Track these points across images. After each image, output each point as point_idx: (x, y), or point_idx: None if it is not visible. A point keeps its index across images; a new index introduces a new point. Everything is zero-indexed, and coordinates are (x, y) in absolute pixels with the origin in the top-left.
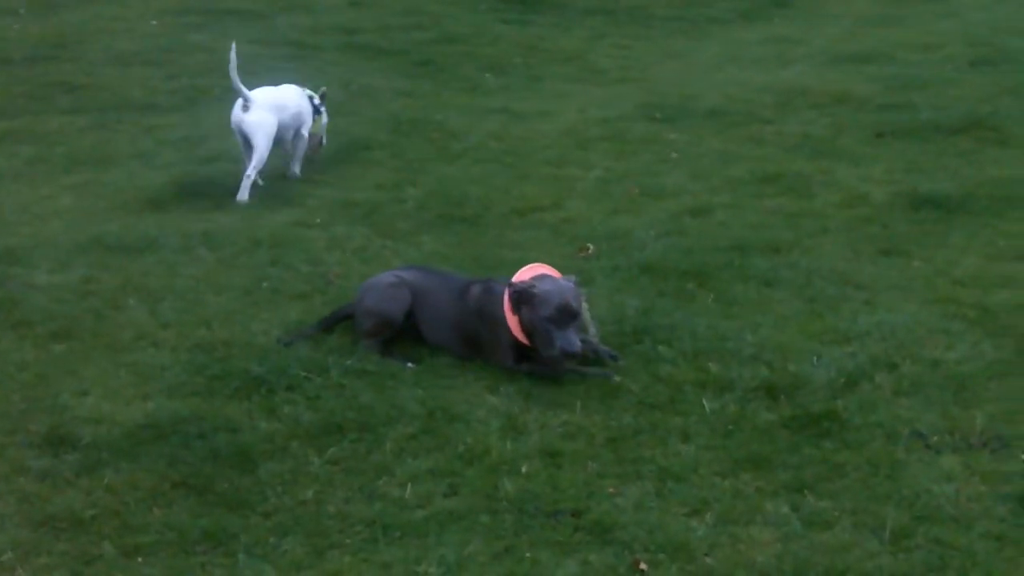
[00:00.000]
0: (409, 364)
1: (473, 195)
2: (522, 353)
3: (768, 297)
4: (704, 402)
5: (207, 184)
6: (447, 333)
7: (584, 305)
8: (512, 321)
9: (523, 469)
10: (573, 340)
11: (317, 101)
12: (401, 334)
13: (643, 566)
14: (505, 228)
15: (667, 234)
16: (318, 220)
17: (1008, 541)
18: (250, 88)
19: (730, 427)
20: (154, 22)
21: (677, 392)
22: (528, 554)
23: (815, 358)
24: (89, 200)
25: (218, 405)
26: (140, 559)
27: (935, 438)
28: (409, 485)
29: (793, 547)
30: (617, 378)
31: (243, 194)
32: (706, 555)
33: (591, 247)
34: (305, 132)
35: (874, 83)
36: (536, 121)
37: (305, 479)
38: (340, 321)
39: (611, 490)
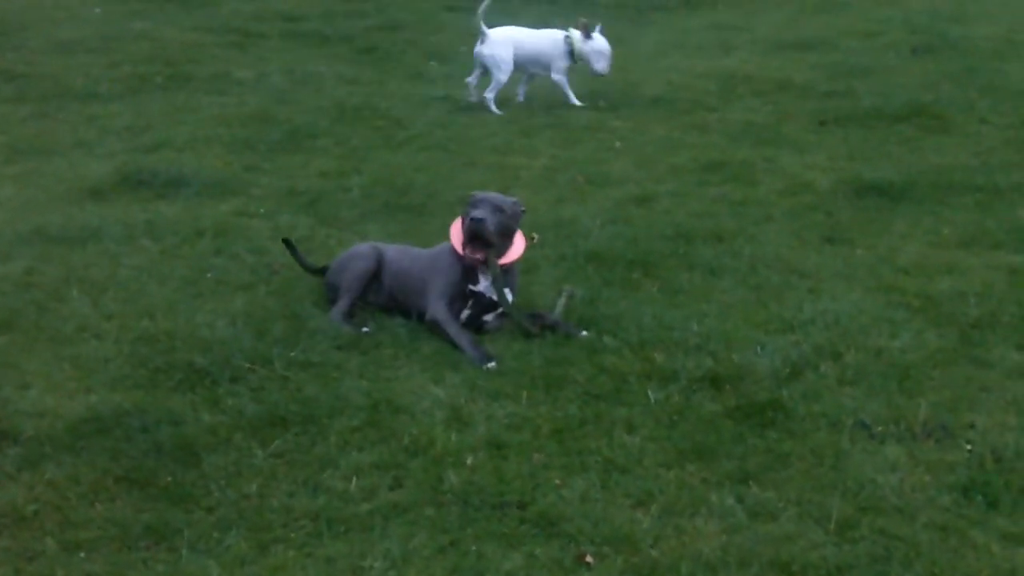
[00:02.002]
0: (365, 328)
1: (419, 183)
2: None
3: (713, 286)
4: (649, 392)
5: (150, 173)
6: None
7: (562, 300)
8: (455, 234)
9: (468, 461)
10: (481, 215)
11: (578, 35)
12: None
13: (589, 559)
14: (451, 216)
15: (612, 222)
16: (262, 209)
17: (952, 531)
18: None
19: (675, 418)
20: (97, 9)
21: (622, 383)
22: (474, 547)
23: (759, 347)
24: (30, 190)
25: (161, 397)
26: (82, 554)
27: (879, 428)
28: (353, 478)
29: (738, 538)
30: (584, 333)
31: (492, 107)
32: (651, 547)
33: (536, 236)
34: (558, 71)
35: (816, 70)
36: (480, 109)
37: (249, 472)
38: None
39: (557, 482)
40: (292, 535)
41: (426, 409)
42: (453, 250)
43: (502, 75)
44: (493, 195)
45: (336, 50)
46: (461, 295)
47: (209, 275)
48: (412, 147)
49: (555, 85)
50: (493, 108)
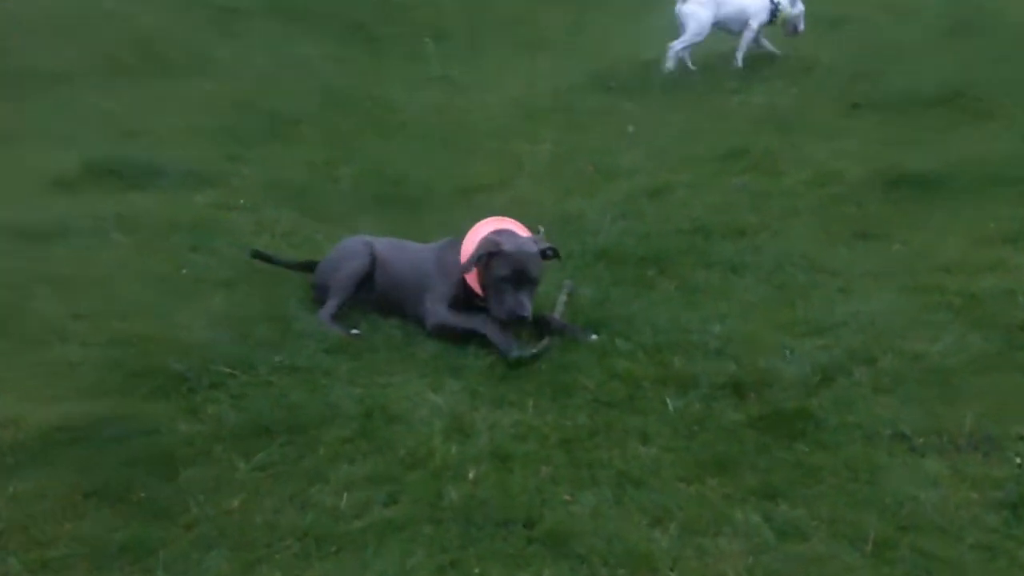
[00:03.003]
0: (355, 330)
1: (413, 174)
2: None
3: (734, 284)
4: (666, 400)
5: (122, 163)
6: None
7: (563, 298)
8: (471, 273)
9: (470, 474)
10: (524, 303)
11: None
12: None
13: None
14: (449, 210)
15: (624, 216)
16: (243, 201)
17: (1000, 552)
18: None
19: (694, 427)
20: None
21: (636, 389)
22: (476, 568)
23: (786, 351)
24: None
25: (135, 405)
26: None
27: (919, 439)
28: (345, 493)
29: (765, 559)
30: (595, 336)
31: (669, 63)
32: (670, 569)
33: (542, 230)
34: (753, 26)
35: (846, 49)
36: (480, 92)
37: (230, 487)
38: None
39: (566, 497)
40: (278, 555)
41: (424, 418)
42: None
43: (698, 35)
44: (528, 250)
45: (323, 27)
46: (461, 302)
47: (185, 272)
48: (406, 134)
49: (745, 42)
50: (688, 63)
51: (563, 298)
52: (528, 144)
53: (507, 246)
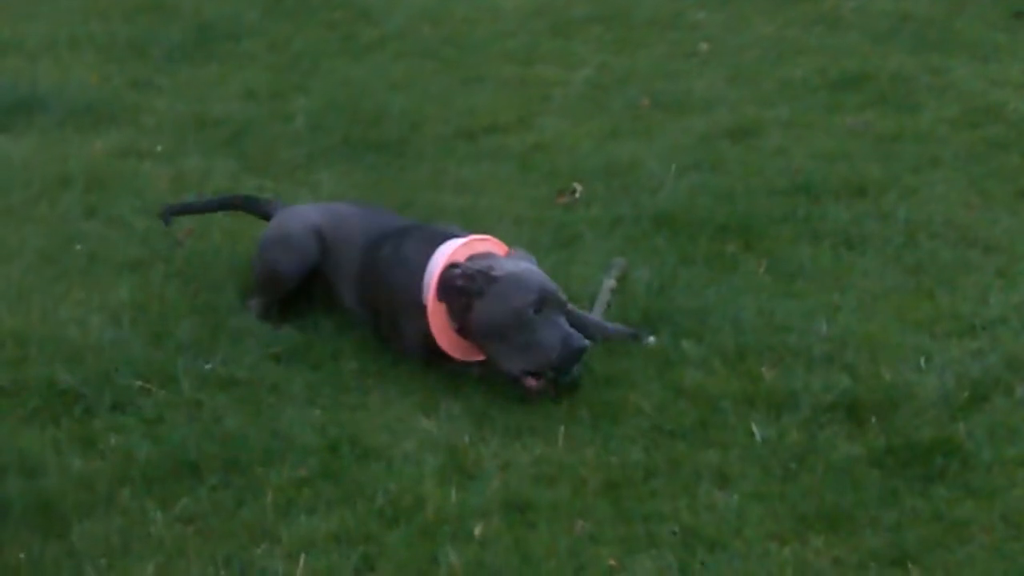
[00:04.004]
0: (283, 325)
1: (396, 108)
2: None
3: (850, 265)
4: (753, 427)
5: None
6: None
7: (610, 283)
8: (437, 316)
9: (476, 531)
10: (575, 332)
11: None
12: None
13: None
14: (446, 159)
15: (695, 168)
16: (159, 147)
17: None
18: None
19: (792, 465)
20: None
21: (711, 412)
22: None
23: (922, 359)
24: None
25: (7, 434)
26: None
27: None
28: (302, 556)
29: None
30: (652, 338)
31: None
32: None
33: (578, 188)
34: None
35: None
36: None
37: (143, 547)
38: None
39: (611, 562)
40: None
41: (411, 453)
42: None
43: None
44: (535, 269)
45: None
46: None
47: (79, 248)
48: (386, 53)
49: None
50: None
51: (609, 283)
52: (558, 68)
53: (499, 271)
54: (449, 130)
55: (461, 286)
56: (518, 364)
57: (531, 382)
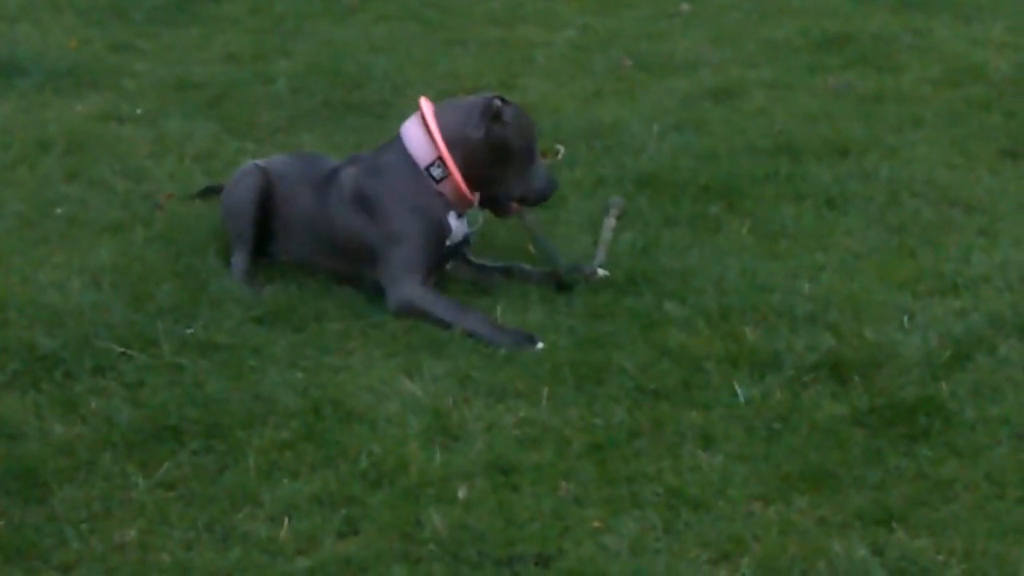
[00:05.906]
0: (265, 287)
1: (379, 70)
2: (440, 253)
3: (833, 225)
4: (736, 387)
5: None
6: (310, 245)
7: (611, 222)
8: (451, 163)
9: (460, 493)
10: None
11: None
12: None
13: None
14: None
15: (678, 129)
16: (139, 110)
17: None
18: None
19: (775, 426)
20: None
21: (695, 372)
22: None
23: (905, 318)
24: None
25: None
26: None
27: None
28: (285, 520)
29: None
30: (603, 272)
31: None
32: None
33: (560, 149)
34: None
35: None
36: None
37: (124, 511)
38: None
39: (596, 524)
40: None
41: (394, 415)
42: (424, 184)
43: None
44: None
45: None
46: (438, 255)
47: (59, 211)
48: (368, 15)
49: None
50: None
51: (610, 222)
52: (541, 29)
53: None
54: (432, 92)
55: (499, 107)
56: (517, 188)
57: (515, 207)
